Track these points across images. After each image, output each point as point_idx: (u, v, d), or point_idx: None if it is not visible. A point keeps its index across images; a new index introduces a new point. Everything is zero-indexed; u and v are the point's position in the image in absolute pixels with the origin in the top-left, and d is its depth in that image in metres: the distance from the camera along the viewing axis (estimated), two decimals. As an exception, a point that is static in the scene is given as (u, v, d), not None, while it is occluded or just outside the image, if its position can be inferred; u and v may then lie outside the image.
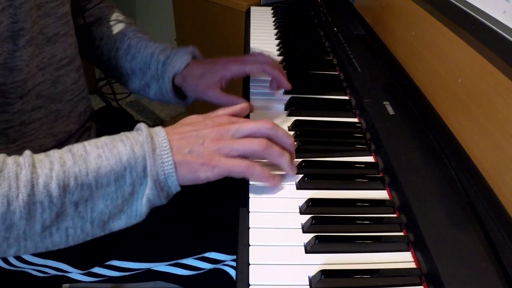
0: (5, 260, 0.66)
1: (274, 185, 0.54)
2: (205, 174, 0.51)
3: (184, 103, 0.79)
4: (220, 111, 0.58)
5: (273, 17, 1.13)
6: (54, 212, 0.46)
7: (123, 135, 0.51)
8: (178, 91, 0.76)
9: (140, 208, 0.50)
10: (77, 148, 0.49)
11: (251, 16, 1.12)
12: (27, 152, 0.48)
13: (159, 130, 0.52)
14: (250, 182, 0.55)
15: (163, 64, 0.75)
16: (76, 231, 0.48)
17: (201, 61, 0.75)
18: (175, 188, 0.51)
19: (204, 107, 0.66)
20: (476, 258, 0.43)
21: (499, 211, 0.50)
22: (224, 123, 0.54)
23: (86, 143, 0.49)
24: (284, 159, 0.54)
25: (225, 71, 0.72)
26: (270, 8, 1.18)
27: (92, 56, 0.85)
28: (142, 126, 0.52)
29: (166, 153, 0.49)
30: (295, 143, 0.61)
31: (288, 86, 0.74)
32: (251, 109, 0.70)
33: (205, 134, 0.52)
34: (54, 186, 0.45)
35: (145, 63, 0.77)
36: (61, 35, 0.66)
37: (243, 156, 0.53)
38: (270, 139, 0.54)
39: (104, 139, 0.50)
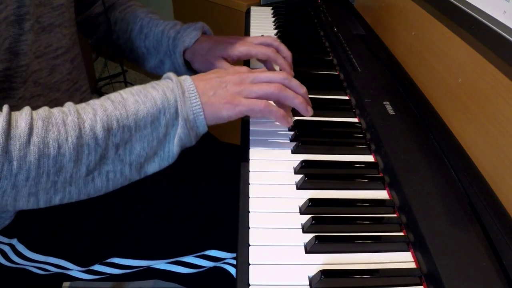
0: (6, 257, 0.67)
1: (288, 125, 0.62)
2: (227, 113, 0.57)
3: None
4: None
5: (273, 17, 1.13)
6: (99, 153, 0.50)
7: (153, 83, 0.56)
8: (190, 66, 0.79)
9: (172, 148, 0.55)
10: (114, 96, 0.53)
11: (251, 16, 1.12)
12: (70, 103, 0.52)
13: (185, 77, 0.57)
14: (251, 182, 0.55)
15: (174, 39, 0.78)
16: (116, 174, 0.53)
17: (210, 37, 0.79)
18: (203, 128, 0.56)
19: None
20: (476, 258, 0.43)
21: (499, 211, 0.50)
22: (244, 72, 0.61)
23: (121, 91, 0.54)
24: (297, 101, 0.61)
25: (232, 50, 0.75)
26: (270, 8, 1.18)
27: (110, 42, 0.87)
28: (170, 74, 0.57)
29: (194, 96, 0.55)
30: (295, 143, 0.62)
31: (291, 74, 0.76)
32: None
33: (228, 79, 0.59)
34: (99, 129, 0.49)
35: (157, 40, 0.80)
36: (55, 25, 0.67)
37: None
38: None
39: (137, 87, 0.55)
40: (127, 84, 2.30)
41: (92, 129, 0.49)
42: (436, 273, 0.42)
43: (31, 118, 0.47)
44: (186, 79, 0.57)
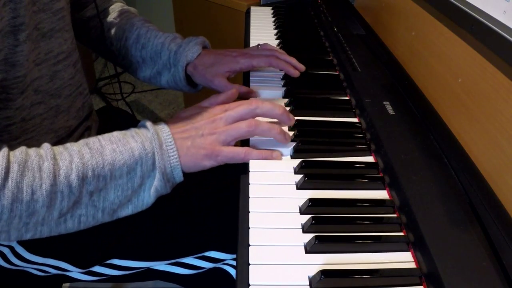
0: (6, 259, 0.67)
1: (275, 159, 0.59)
2: (209, 162, 0.57)
3: (194, 90, 0.82)
4: (212, 99, 0.65)
5: (273, 17, 1.13)
6: (72, 200, 0.50)
7: (133, 131, 0.55)
8: (189, 79, 0.79)
9: (147, 198, 0.55)
10: (93, 142, 0.53)
11: (251, 16, 1.12)
12: (47, 145, 0.52)
13: (162, 127, 0.57)
14: (251, 182, 0.55)
15: (175, 53, 0.77)
16: (88, 218, 0.53)
17: (211, 51, 0.78)
18: (179, 178, 0.57)
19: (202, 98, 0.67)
20: (476, 258, 0.43)
21: (499, 211, 0.50)
22: (217, 113, 0.60)
23: (100, 137, 0.54)
24: (274, 132, 0.60)
25: (234, 64, 0.75)
26: (270, 8, 1.18)
27: (101, 46, 0.86)
28: (147, 123, 0.57)
29: (172, 148, 0.55)
30: (295, 143, 0.62)
31: (297, 74, 0.77)
32: (253, 93, 0.75)
33: (203, 125, 0.58)
34: (74, 177, 0.49)
35: (155, 52, 0.80)
36: (56, 30, 0.66)
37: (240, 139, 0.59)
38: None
39: (116, 134, 0.55)
40: (122, 84, 2.30)
41: (67, 177, 0.49)
42: (436, 273, 0.42)
43: (8, 161, 0.47)
44: (163, 129, 0.56)
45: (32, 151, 0.50)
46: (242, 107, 0.60)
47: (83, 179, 0.50)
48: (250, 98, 0.64)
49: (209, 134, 0.57)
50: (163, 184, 0.55)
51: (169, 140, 0.55)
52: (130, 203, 0.55)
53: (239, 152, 0.58)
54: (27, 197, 0.47)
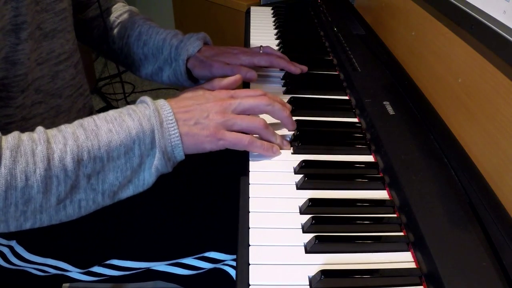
0: (5, 259, 0.67)
1: (274, 155, 0.60)
2: (210, 146, 0.56)
3: (195, 85, 0.81)
4: (215, 82, 0.65)
5: (273, 17, 1.13)
6: (69, 184, 0.48)
7: (130, 109, 0.53)
8: (190, 74, 0.79)
9: (147, 177, 0.54)
10: (88, 122, 0.51)
11: (251, 16, 1.12)
12: (40, 128, 0.50)
13: (163, 104, 0.55)
14: (251, 182, 0.55)
15: (176, 48, 0.77)
16: (88, 202, 0.51)
17: (212, 47, 0.79)
18: (180, 157, 0.55)
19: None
20: (476, 258, 0.43)
21: (499, 211, 0.50)
22: (225, 98, 0.58)
23: (95, 117, 0.52)
24: (276, 138, 0.61)
25: (235, 60, 0.75)
26: (270, 8, 1.18)
27: (103, 46, 0.87)
28: (147, 99, 0.55)
29: (173, 126, 0.53)
30: (296, 143, 0.62)
31: (298, 71, 0.78)
32: (254, 78, 0.74)
33: (209, 107, 0.57)
34: (69, 160, 0.48)
35: (157, 48, 0.80)
36: (58, 31, 0.66)
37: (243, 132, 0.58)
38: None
39: (112, 113, 0.53)
40: (125, 84, 2.30)
41: (61, 160, 0.47)
42: (436, 273, 0.42)
43: (0, 147, 0.46)
44: (164, 106, 0.54)
45: (25, 135, 0.48)
46: (253, 99, 0.59)
47: (78, 162, 0.48)
48: (259, 89, 0.64)
49: (215, 116, 0.56)
50: (163, 163, 0.53)
51: (170, 118, 0.53)
52: (130, 184, 0.53)
53: (243, 139, 0.57)
54: (21, 183, 0.45)
